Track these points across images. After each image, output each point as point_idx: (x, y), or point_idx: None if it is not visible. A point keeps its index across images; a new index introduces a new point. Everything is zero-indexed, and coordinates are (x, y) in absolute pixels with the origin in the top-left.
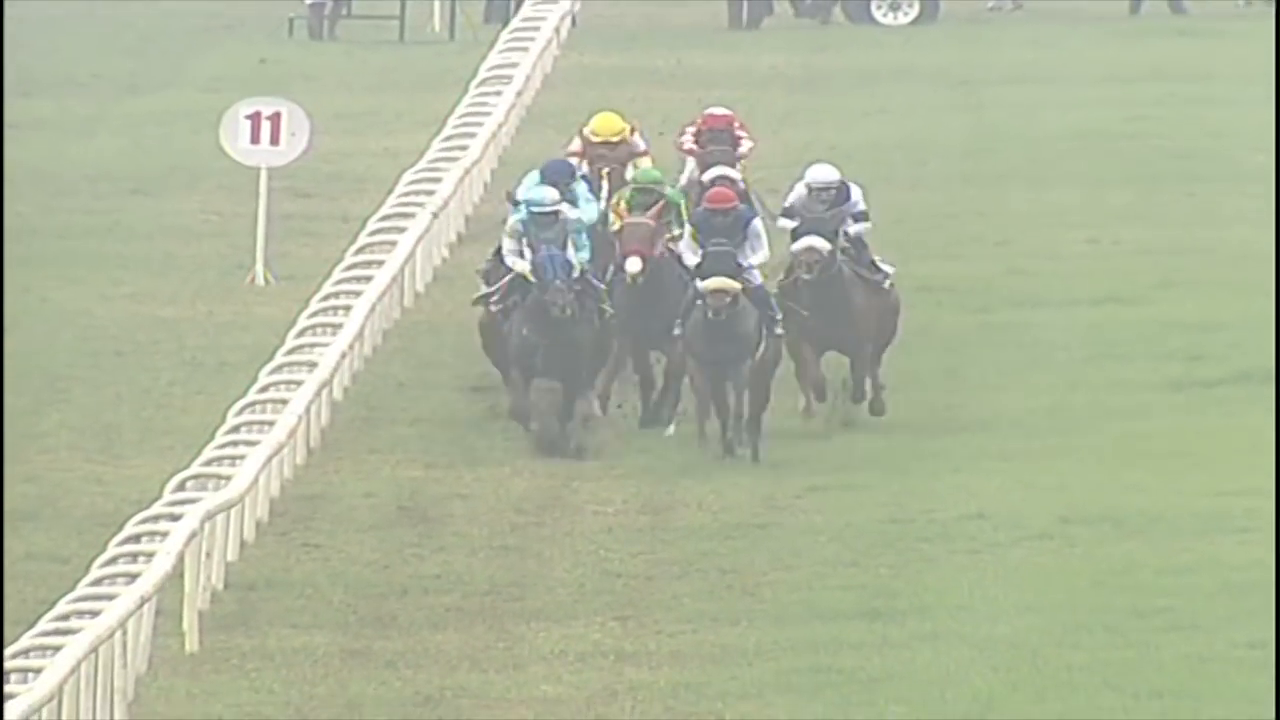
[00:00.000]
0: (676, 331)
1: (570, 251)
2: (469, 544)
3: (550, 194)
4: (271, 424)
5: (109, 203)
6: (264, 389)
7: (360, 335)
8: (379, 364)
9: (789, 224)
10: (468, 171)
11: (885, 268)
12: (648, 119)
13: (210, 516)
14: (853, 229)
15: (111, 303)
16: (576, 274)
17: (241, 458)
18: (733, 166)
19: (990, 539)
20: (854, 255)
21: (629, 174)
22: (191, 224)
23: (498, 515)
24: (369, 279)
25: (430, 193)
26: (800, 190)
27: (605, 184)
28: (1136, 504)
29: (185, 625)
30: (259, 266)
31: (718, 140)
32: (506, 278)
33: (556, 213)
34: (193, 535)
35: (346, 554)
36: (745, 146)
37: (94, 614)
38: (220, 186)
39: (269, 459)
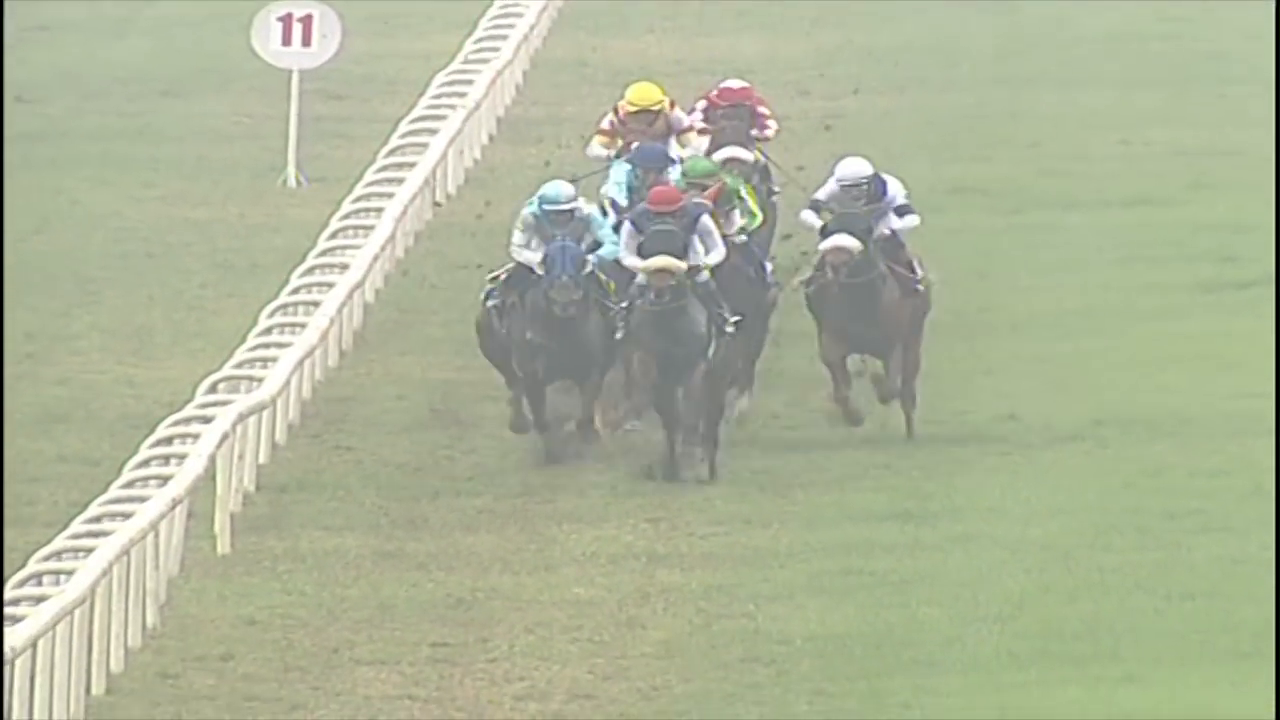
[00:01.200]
0: (618, 335)
1: (584, 246)
2: (501, 446)
3: (566, 190)
4: (303, 326)
5: (140, 105)
6: (295, 291)
7: (392, 237)
8: (411, 266)
9: (814, 220)
10: (499, 74)
11: (920, 270)
12: (678, 19)
13: (242, 419)
14: (896, 224)
15: (143, 205)
16: (588, 269)
17: (273, 360)
18: (745, 146)
19: (1022, 441)
20: (890, 253)
21: (671, 151)
22: (223, 126)
23: None
24: (401, 181)
25: (462, 94)
26: (831, 187)
27: None
28: (1168, 406)
29: (217, 527)
30: (290, 169)
31: (733, 116)
32: (506, 269)
33: (572, 211)
34: (224, 437)
35: (378, 456)
36: (771, 129)
37: (126, 516)
38: (251, 89)
39: (301, 361)
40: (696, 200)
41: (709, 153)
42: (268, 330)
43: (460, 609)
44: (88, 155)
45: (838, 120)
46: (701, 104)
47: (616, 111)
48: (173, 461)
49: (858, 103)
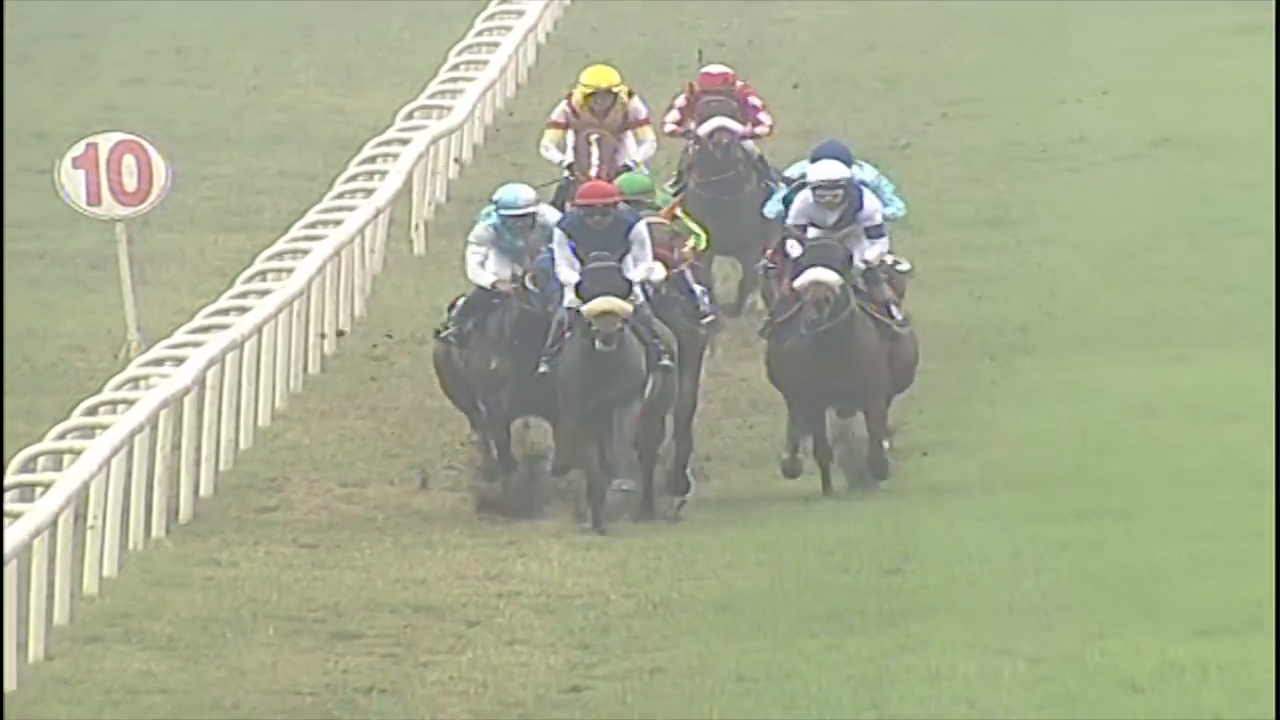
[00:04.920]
0: (543, 369)
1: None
2: None
3: (525, 193)
4: (486, 62)
5: None
6: (480, 33)
7: None
8: (577, 12)
9: (797, 250)
10: None
11: (897, 315)
12: None
13: (435, 141)
14: (868, 254)
15: None
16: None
17: (460, 91)
18: (734, 118)
19: (1090, 159)
20: (867, 290)
21: (628, 147)
22: None
23: None
24: None
25: None
26: (804, 197)
27: (595, 150)
28: (1213, 130)
29: (413, 232)
30: None
31: (718, 96)
32: (464, 296)
33: (533, 215)
34: (420, 157)
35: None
36: (765, 126)
37: (337, 223)
38: None
39: (484, 92)
40: (651, 219)
41: (698, 129)
42: (455, 66)
43: None
44: None
45: None
46: (680, 100)
47: (569, 100)
48: (376, 177)
49: None
